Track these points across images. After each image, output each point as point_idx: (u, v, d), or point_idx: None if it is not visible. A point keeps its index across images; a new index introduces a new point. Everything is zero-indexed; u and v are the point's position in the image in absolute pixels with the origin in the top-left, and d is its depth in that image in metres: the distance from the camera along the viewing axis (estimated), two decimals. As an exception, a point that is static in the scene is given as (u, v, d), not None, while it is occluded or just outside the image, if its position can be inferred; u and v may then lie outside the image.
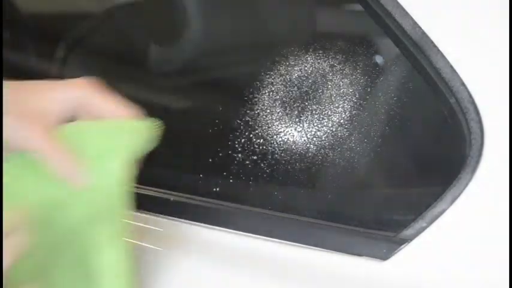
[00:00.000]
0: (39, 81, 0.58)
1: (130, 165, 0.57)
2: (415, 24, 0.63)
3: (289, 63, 1.15)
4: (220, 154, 1.03)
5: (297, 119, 1.00)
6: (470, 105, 0.61)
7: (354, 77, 1.21)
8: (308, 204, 0.85)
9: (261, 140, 1.00)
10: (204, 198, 0.81)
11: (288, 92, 1.07)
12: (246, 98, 1.06)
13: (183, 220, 0.80)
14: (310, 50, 1.15)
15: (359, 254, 0.67)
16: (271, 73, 1.13)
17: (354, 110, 0.93)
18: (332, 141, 0.97)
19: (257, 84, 1.09)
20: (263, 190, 0.88)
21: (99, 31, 1.17)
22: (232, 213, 0.78)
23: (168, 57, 1.07)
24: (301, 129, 0.98)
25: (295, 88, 1.08)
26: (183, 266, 0.77)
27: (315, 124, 0.98)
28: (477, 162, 0.61)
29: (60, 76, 1.15)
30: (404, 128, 0.88)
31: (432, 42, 0.62)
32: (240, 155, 1.00)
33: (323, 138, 0.97)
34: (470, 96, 0.61)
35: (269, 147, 0.99)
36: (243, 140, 1.01)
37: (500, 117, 0.60)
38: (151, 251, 0.80)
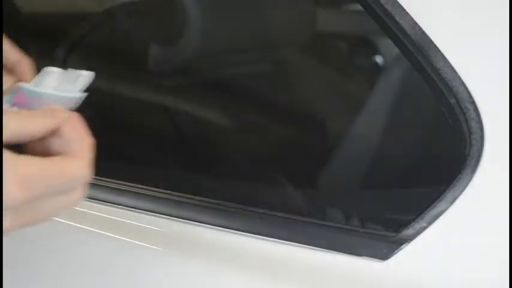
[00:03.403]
0: None
1: None
2: (415, 24, 0.63)
3: (289, 64, 1.15)
4: (221, 154, 1.03)
5: (297, 119, 1.00)
6: (470, 105, 0.61)
7: (354, 77, 1.21)
8: (308, 204, 0.85)
9: (261, 140, 1.00)
10: (204, 198, 0.81)
11: (287, 92, 1.07)
12: (245, 98, 1.06)
13: (183, 220, 0.80)
14: (310, 50, 1.15)
15: (359, 254, 0.67)
16: (271, 73, 1.13)
17: (354, 110, 0.93)
18: (332, 141, 0.97)
19: (257, 84, 1.09)
20: (263, 190, 0.88)
21: (99, 31, 1.18)
22: (232, 213, 0.78)
23: (168, 57, 1.07)
24: (301, 129, 0.98)
25: (295, 88, 1.08)
26: (183, 266, 0.77)
27: (315, 124, 0.98)
28: (477, 162, 0.61)
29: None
30: (404, 128, 0.88)
31: (432, 42, 0.62)
32: (240, 155, 1.00)
33: (323, 139, 0.97)
34: (470, 96, 0.61)
35: (269, 147, 0.99)
36: (243, 140, 1.01)
37: (500, 117, 0.60)
38: (151, 251, 0.80)
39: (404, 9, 0.63)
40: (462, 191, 0.62)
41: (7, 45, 0.60)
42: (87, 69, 0.61)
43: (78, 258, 0.85)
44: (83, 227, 0.86)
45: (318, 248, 0.69)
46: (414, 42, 0.63)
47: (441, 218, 0.62)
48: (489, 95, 0.61)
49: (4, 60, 0.60)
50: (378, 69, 1.29)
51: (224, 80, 1.09)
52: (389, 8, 0.64)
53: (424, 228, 0.64)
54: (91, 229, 0.85)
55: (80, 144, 0.52)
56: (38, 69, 0.60)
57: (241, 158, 0.99)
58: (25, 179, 0.48)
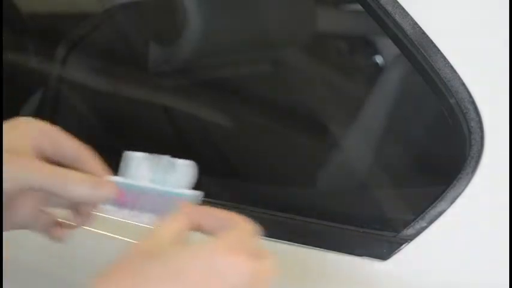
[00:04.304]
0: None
1: None
2: (415, 24, 0.63)
3: (289, 63, 1.15)
4: (220, 154, 1.03)
5: (297, 119, 1.00)
6: (470, 105, 0.61)
7: (354, 77, 1.21)
8: (308, 204, 0.85)
9: (261, 140, 1.00)
10: (204, 199, 0.81)
11: (287, 92, 1.06)
12: (245, 98, 1.06)
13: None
14: (310, 50, 1.15)
15: (359, 254, 0.67)
16: (271, 73, 1.13)
17: (354, 110, 0.93)
18: (332, 141, 0.97)
19: (257, 84, 1.09)
20: (263, 190, 0.88)
21: (99, 31, 1.17)
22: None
23: (168, 57, 1.07)
24: (301, 129, 0.98)
25: (295, 88, 1.08)
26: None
27: (315, 124, 0.98)
28: (477, 162, 0.61)
29: (61, 76, 1.15)
30: (405, 128, 0.88)
31: (432, 42, 0.62)
32: (240, 155, 1.00)
33: (323, 139, 0.97)
34: (470, 96, 0.61)
35: (269, 147, 0.99)
36: (242, 140, 1.01)
37: (500, 117, 0.60)
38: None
39: (404, 9, 0.63)
40: (462, 191, 0.62)
41: (63, 137, 0.59)
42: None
43: (78, 258, 0.85)
44: (83, 227, 0.86)
45: (318, 248, 0.69)
46: (414, 42, 0.63)
47: (441, 218, 0.62)
48: (489, 95, 0.61)
49: (64, 153, 0.59)
50: (377, 69, 1.29)
51: (224, 80, 1.09)
52: (389, 8, 0.64)
53: (424, 228, 0.64)
54: (91, 229, 0.85)
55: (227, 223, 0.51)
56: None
57: (241, 158, 0.99)
58: (232, 245, 0.47)
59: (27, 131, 0.58)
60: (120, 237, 0.84)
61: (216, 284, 0.45)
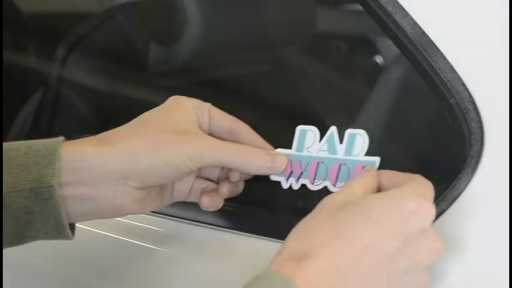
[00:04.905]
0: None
1: None
2: (415, 24, 0.63)
3: (289, 63, 1.15)
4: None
5: (297, 119, 1.00)
6: (470, 105, 0.61)
7: (354, 77, 1.21)
8: (309, 204, 0.85)
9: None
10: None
11: (287, 92, 1.06)
12: (245, 98, 1.06)
13: (183, 220, 0.80)
14: (310, 50, 1.15)
15: (359, 254, 0.67)
16: (271, 73, 1.13)
17: (354, 110, 0.93)
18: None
19: (257, 84, 1.09)
20: (263, 190, 0.87)
21: (99, 31, 1.18)
22: (233, 213, 0.78)
23: (168, 57, 1.07)
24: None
25: (295, 88, 1.08)
26: (183, 266, 0.77)
27: (315, 124, 0.98)
28: (477, 162, 0.61)
29: (61, 76, 1.15)
30: (404, 128, 0.88)
31: (432, 42, 0.62)
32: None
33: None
34: (470, 96, 0.61)
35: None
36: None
37: (500, 117, 0.60)
38: (152, 251, 0.80)
39: (404, 9, 0.63)
40: (462, 191, 0.62)
41: (216, 111, 0.63)
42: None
43: (79, 258, 0.85)
44: (83, 227, 0.86)
45: (318, 248, 0.69)
46: (414, 42, 0.63)
47: (441, 218, 0.62)
48: (489, 95, 0.61)
49: (219, 127, 0.62)
50: (377, 69, 1.29)
51: (224, 80, 1.09)
52: (389, 8, 0.64)
53: (424, 228, 0.63)
54: (91, 229, 0.85)
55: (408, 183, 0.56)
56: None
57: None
58: (416, 192, 0.54)
59: (187, 109, 0.60)
60: (120, 238, 0.84)
61: (411, 225, 0.52)
